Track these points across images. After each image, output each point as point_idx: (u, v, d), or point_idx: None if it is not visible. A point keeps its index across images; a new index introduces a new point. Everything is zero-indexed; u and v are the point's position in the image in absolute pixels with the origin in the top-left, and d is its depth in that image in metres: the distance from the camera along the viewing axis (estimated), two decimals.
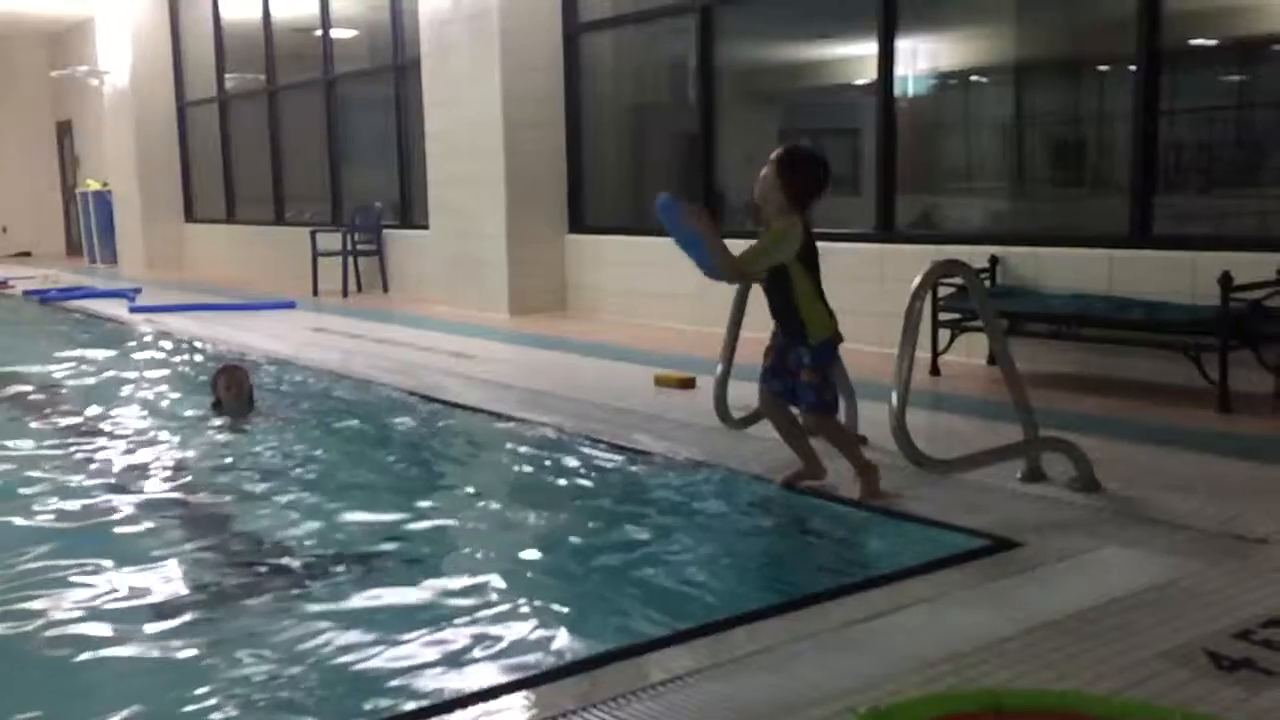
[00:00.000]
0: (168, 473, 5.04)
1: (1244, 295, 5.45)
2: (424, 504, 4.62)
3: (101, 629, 3.25)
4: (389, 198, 12.54)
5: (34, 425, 6.10)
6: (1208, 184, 7.02)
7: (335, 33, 13.60)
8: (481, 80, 9.91)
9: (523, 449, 5.22)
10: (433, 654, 2.99)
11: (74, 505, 4.50)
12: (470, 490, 4.77)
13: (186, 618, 3.34)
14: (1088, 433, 4.58)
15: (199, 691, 2.82)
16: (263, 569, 3.73)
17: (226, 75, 15.99)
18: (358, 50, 13.71)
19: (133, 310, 11.11)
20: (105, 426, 6.01)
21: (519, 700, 2.65)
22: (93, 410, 6.44)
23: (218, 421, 5.92)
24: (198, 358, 8.22)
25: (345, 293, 12.16)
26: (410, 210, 12.16)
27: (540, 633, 3.12)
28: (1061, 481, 4.14)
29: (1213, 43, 6.87)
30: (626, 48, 10.46)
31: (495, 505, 4.53)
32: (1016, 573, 3.33)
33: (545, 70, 9.99)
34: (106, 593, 3.52)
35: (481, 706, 2.58)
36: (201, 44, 16.26)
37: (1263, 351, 5.57)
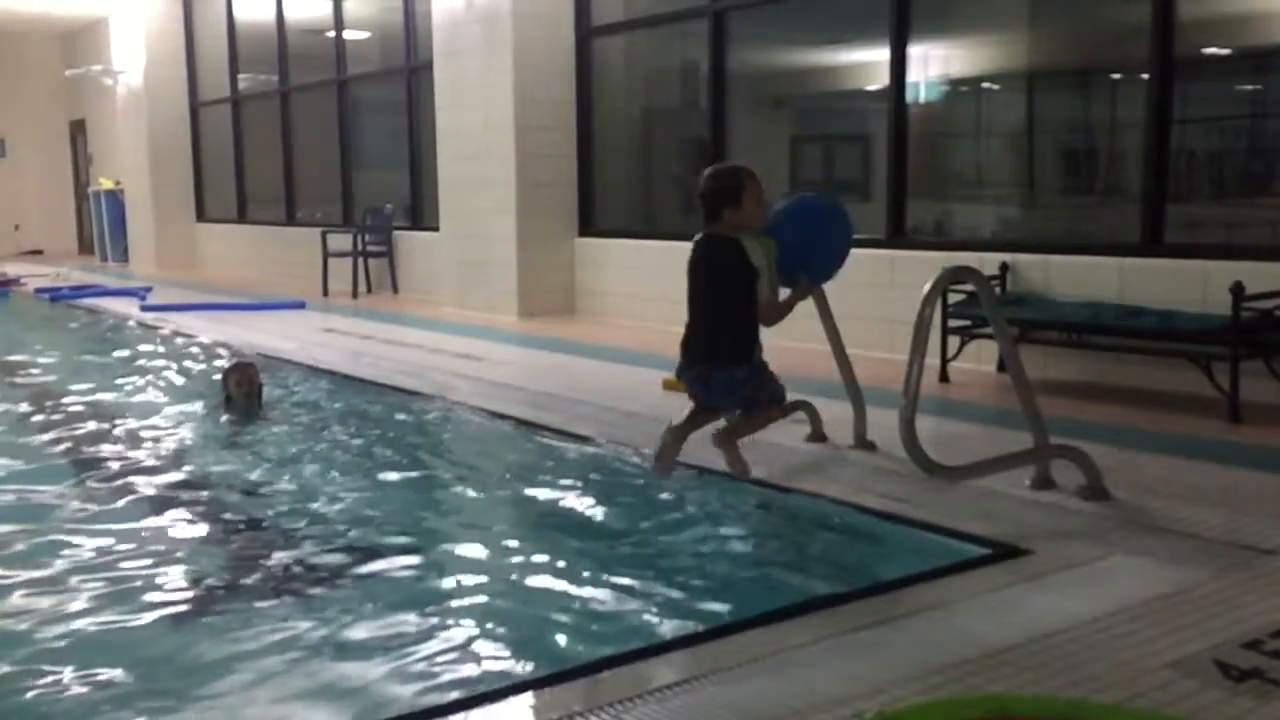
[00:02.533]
0: (176, 469, 5.05)
1: (1256, 305, 5.43)
2: (429, 504, 4.62)
3: (104, 626, 3.25)
4: (400, 199, 12.57)
5: (43, 422, 6.12)
6: (1220, 193, 7.00)
7: (348, 34, 13.64)
8: (493, 83, 9.93)
9: (528, 451, 5.22)
10: (436, 655, 2.98)
11: (80, 502, 4.51)
12: (474, 491, 4.77)
13: (186, 615, 3.35)
14: (1097, 441, 4.56)
15: (196, 690, 2.82)
16: (267, 567, 3.73)
17: (240, 76, 16.06)
18: (370, 52, 13.75)
19: (143, 309, 11.14)
20: (114, 423, 6.02)
21: (523, 702, 2.64)
22: (102, 407, 6.46)
23: (227, 419, 5.94)
24: (207, 355, 8.24)
25: (355, 293, 12.18)
26: (421, 212, 12.18)
27: (542, 635, 3.12)
28: (1070, 489, 4.12)
29: (1225, 52, 6.85)
30: (638, 52, 10.47)
31: (499, 506, 4.53)
32: (1024, 580, 3.32)
33: (557, 73, 10.00)
34: (110, 588, 3.52)
35: (485, 708, 2.58)
36: (215, 45, 16.34)
37: (1274, 361, 5.54)
